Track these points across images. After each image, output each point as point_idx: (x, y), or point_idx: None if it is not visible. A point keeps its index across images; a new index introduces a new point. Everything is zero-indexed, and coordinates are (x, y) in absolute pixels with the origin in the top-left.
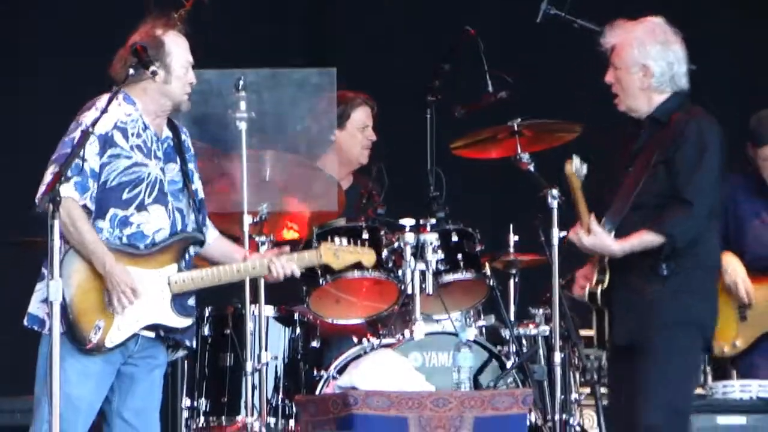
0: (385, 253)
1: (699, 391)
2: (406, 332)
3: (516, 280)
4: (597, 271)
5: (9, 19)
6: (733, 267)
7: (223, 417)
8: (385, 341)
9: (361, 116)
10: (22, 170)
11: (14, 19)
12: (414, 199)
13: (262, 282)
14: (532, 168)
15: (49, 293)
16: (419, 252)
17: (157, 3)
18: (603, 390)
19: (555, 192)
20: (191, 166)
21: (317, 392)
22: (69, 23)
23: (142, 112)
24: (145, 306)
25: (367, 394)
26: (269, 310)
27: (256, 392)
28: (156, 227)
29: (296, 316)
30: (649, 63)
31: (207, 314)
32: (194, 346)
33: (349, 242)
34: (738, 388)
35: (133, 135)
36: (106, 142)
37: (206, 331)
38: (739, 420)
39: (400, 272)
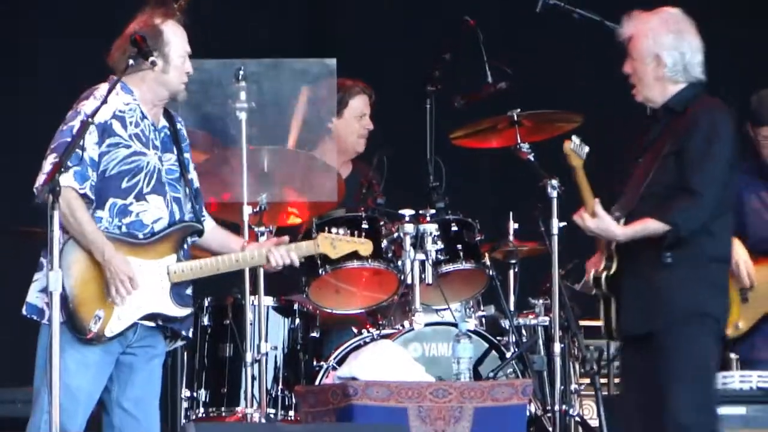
0: (384, 243)
1: None
2: (406, 323)
3: (516, 270)
4: (604, 258)
5: (9, 19)
6: (734, 249)
7: (223, 408)
8: (384, 332)
9: (359, 104)
10: (22, 169)
11: (14, 19)
12: (414, 189)
13: (261, 272)
14: (531, 158)
15: (48, 283)
16: (419, 242)
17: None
18: (602, 380)
19: (555, 182)
20: (187, 155)
21: (317, 383)
22: (69, 23)
23: (140, 102)
24: (145, 295)
25: (367, 385)
26: (269, 301)
27: (256, 383)
28: (155, 216)
29: (296, 306)
30: (662, 53)
31: (206, 304)
32: (191, 336)
33: (351, 233)
34: (737, 379)
35: (131, 124)
36: (105, 131)
37: (206, 321)
38: (739, 410)
39: (399, 262)
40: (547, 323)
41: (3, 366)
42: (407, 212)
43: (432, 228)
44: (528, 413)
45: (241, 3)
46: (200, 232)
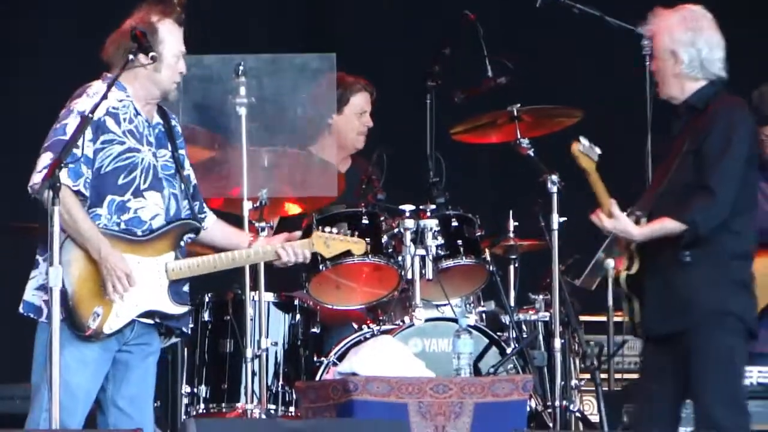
0: (385, 238)
1: None
2: (406, 318)
3: (516, 265)
4: (626, 257)
5: (9, 19)
6: None
7: (223, 403)
8: (385, 327)
9: (360, 101)
10: (22, 168)
11: (14, 18)
12: (414, 184)
13: (262, 268)
14: (531, 153)
15: (49, 279)
16: (419, 237)
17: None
18: (603, 376)
19: (555, 177)
20: (182, 152)
21: (317, 378)
22: (69, 23)
23: (133, 98)
24: (143, 293)
25: (367, 380)
26: (269, 296)
27: (256, 378)
28: (152, 213)
29: (296, 302)
30: (678, 50)
31: (207, 300)
32: (189, 332)
33: (350, 229)
34: None
35: (125, 120)
36: (99, 128)
37: (206, 317)
38: None
39: (399, 258)
40: (547, 319)
41: (1, 363)
42: (407, 208)
43: (432, 223)
44: (528, 409)
45: (241, 1)
46: (197, 230)
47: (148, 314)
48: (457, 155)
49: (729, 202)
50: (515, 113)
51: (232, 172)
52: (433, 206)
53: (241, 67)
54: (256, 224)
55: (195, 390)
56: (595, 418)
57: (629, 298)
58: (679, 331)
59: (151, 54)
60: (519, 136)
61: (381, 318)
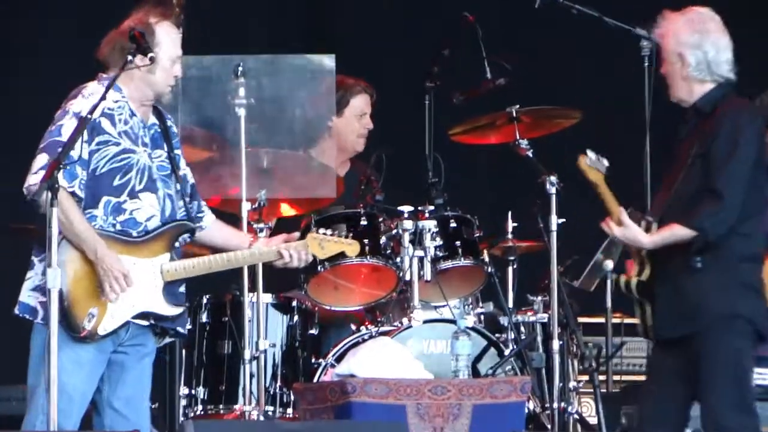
0: (383, 239)
1: None
2: (405, 320)
3: (514, 266)
4: (637, 263)
5: (9, 19)
6: None
7: (221, 405)
8: (383, 328)
9: (360, 103)
10: (22, 169)
11: (14, 19)
12: (412, 185)
13: (260, 269)
14: (530, 154)
15: (47, 281)
16: (417, 238)
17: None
18: (601, 378)
19: (553, 178)
20: (178, 152)
21: (315, 380)
22: (69, 23)
23: (129, 99)
24: (138, 294)
25: (365, 382)
26: (267, 298)
27: (254, 380)
28: (148, 214)
29: (294, 303)
30: (685, 52)
31: (205, 302)
32: (186, 332)
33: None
34: None
35: (120, 121)
36: (94, 129)
37: (204, 318)
38: None
39: (398, 259)
40: (545, 320)
41: None
42: (406, 209)
43: (431, 224)
44: (527, 410)
45: (241, 1)
46: (193, 231)
47: (143, 315)
48: (455, 156)
49: (737, 206)
50: (514, 114)
51: (230, 172)
52: (432, 207)
53: (240, 68)
54: (255, 225)
55: (193, 391)
56: (593, 420)
57: (641, 303)
58: (688, 335)
59: (149, 55)
60: (518, 137)
61: (379, 319)
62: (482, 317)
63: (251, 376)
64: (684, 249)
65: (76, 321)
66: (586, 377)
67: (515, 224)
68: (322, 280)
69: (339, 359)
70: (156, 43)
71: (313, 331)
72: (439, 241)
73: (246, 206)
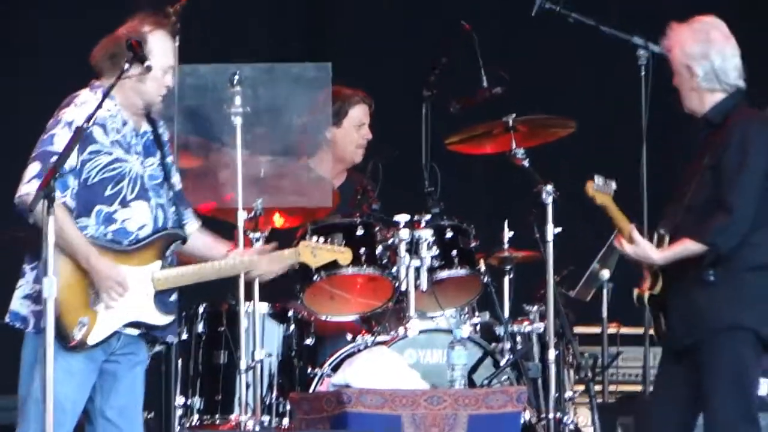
0: (379, 249)
1: None
2: (401, 329)
3: (510, 276)
4: (651, 276)
5: (9, 19)
6: None
7: (217, 415)
8: (379, 338)
9: (359, 114)
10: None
11: (14, 19)
12: (409, 194)
13: (256, 278)
14: (526, 163)
15: (43, 289)
16: (414, 248)
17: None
18: (597, 388)
19: (549, 188)
20: (169, 159)
21: (311, 390)
22: (69, 23)
23: (121, 108)
24: (129, 303)
25: (361, 392)
26: (263, 307)
27: (250, 390)
28: (139, 224)
29: (290, 313)
30: (692, 63)
31: (201, 311)
32: (176, 340)
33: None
34: None
35: (113, 130)
36: (86, 138)
37: (200, 328)
38: None
39: (394, 269)
40: (541, 330)
41: None
42: (402, 218)
43: (427, 234)
44: (522, 421)
45: (238, 7)
46: (185, 240)
47: (134, 325)
48: (452, 165)
49: (748, 218)
50: (510, 123)
51: (226, 180)
52: (428, 216)
53: (236, 77)
54: (251, 234)
55: (189, 401)
56: (589, 430)
57: (655, 315)
58: (694, 344)
59: (146, 64)
60: (514, 147)
61: (375, 329)
62: (478, 327)
63: (247, 385)
64: (696, 263)
65: (66, 330)
66: (582, 387)
67: (511, 234)
68: (318, 289)
69: (335, 369)
70: (147, 52)
71: (309, 341)
72: (435, 251)
73: (242, 215)
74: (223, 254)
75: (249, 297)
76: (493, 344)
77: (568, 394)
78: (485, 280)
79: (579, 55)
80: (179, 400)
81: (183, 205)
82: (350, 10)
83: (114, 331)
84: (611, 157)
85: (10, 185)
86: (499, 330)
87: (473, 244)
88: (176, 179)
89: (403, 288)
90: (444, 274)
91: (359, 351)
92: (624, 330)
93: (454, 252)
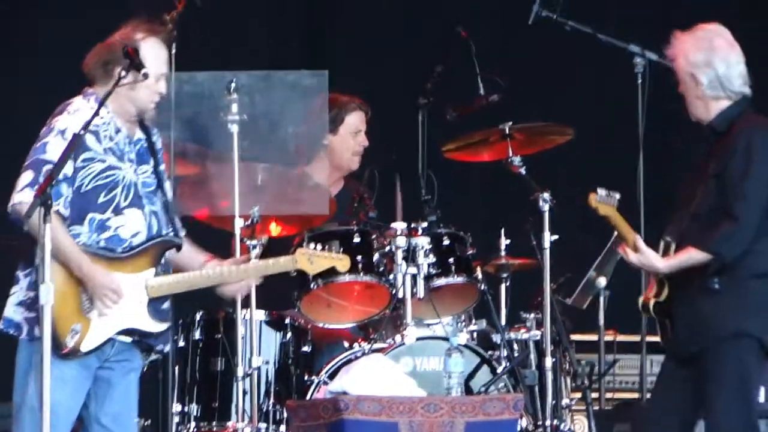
0: (376, 256)
1: None
2: (398, 337)
3: (507, 284)
4: (656, 283)
5: (9, 19)
6: None
7: (214, 422)
8: (376, 346)
9: (355, 121)
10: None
11: (14, 19)
12: (405, 202)
13: (253, 286)
14: (523, 171)
15: (40, 297)
16: (411, 256)
17: (149, 5)
18: (594, 395)
19: (546, 195)
20: (162, 167)
21: (308, 397)
22: (69, 23)
23: (114, 115)
24: (123, 310)
25: (358, 399)
26: (260, 315)
27: (247, 397)
28: (133, 231)
29: (287, 320)
30: (696, 72)
31: (198, 318)
32: (167, 350)
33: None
34: None
35: (106, 138)
36: (79, 146)
37: (197, 335)
38: None
39: (391, 276)
40: (538, 337)
41: None
42: (399, 226)
43: (424, 241)
44: (519, 428)
45: (234, 15)
46: (179, 247)
47: (128, 332)
48: (448, 173)
49: (753, 226)
50: (507, 131)
51: (221, 187)
52: (425, 224)
53: (232, 84)
54: (247, 242)
55: (186, 408)
56: None
57: (662, 322)
58: (701, 352)
59: (143, 71)
60: (511, 154)
61: (372, 336)
62: (475, 334)
63: (244, 393)
64: (701, 271)
65: (58, 338)
66: (578, 395)
67: (508, 241)
68: (315, 297)
69: (332, 376)
70: (141, 59)
71: (306, 349)
72: (432, 259)
73: (239, 222)
74: (201, 264)
75: (246, 304)
76: (490, 352)
77: (565, 401)
78: (482, 287)
79: (576, 62)
80: (176, 407)
81: (172, 214)
82: (344, 19)
83: (107, 338)
84: (608, 164)
85: (10, 185)
86: (496, 337)
87: (470, 252)
88: (167, 187)
89: (399, 295)
90: (441, 281)
91: (356, 358)
92: (621, 338)
93: (451, 260)
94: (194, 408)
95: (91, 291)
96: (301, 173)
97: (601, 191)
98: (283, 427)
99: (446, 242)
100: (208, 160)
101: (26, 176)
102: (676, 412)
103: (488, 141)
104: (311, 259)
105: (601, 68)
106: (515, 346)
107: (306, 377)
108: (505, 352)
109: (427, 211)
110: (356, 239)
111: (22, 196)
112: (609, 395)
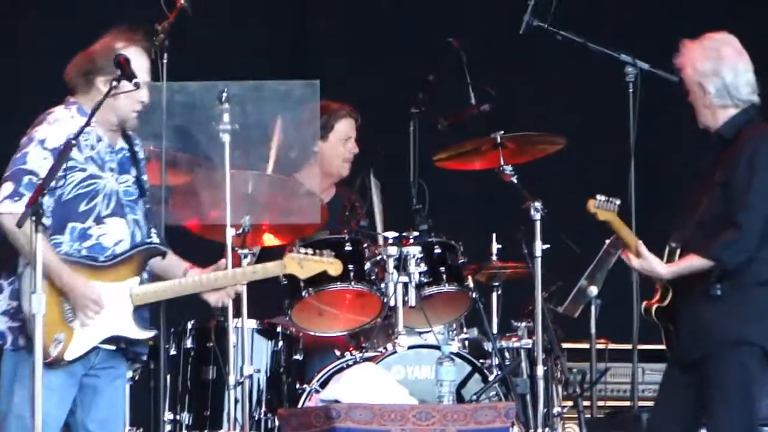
0: (368, 265)
1: None
2: (389, 345)
3: (499, 292)
4: (661, 289)
5: (9, 19)
6: None
7: (206, 431)
8: (367, 354)
9: (345, 128)
10: None
11: (14, 19)
12: (397, 211)
13: (244, 295)
14: (515, 180)
15: (32, 306)
16: (402, 264)
17: (139, 15)
18: (585, 403)
19: (538, 204)
20: (145, 177)
21: (300, 405)
22: (69, 23)
23: (96, 124)
24: (107, 318)
25: (350, 408)
26: (252, 323)
27: (239, 406)
28: (116, 239)
29: (279, 329)
30: (703, 81)
31: (189, 327)
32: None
33: (315, 252)
34: None
35: (87, 147)
36: (60, 155)
37: (189, 343)
38: None
39: (382, 285)
40: (530, 346)
41: None
42: (390, 234)
43: (415, 250)
44: None
45: (225, 25)
46: (163, 255)
47: (112, 340)
48: (440, 182)
49: (756, 234)
50: (498, 140)
51: (212, 196)
52: (416, 233)
53: (224, 94)
54: (239, 251)
55: (177, 417)
56: None
57: (666, 327)
58: (703, 358)
59: (134, 81)
60: (502, 163)
61: (364, 345)
62: (466, 343)
63: (236, 401)
64: (704, 277)
65: (42, 347)
66: (570, 403)
67: (500, 250)
68: (307, 305)
69: (323, 385)
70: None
71: (298, 357)
72: (423, 267)
73: (230, 232)
74: (183, 271)
75: (237, 313)
76: (482, 360)
77: (557, 409)
78: (473, 296)
79: (567, 72)
80: (168, 415)
81: (151, 223)
82: (334, 28)
83: (92, 347)
84: (600, 173)
85: None
86: (488, 346)
87: (461, 261)
88: (147, 197)
89: (391, 304)
90: (432, 290)
91: (348, 367)
92: (612, 346)
93: (442, 268)
94: (186, 416)
95: (72, 301)
96: (292, 181)
97: (600, 197)
98: None
99: (437, 251)
100: (200, 170)
101: (6, 187)
102: (679, 419)
103: (480, 150)
104: (302, 263)
105: (593, 77)
106: (507, 355)
107: (297, 386)
108: (496, 361)
109: (419, 220)
110: (348, 247)
111: (3, 208)
112: (600, 403)
